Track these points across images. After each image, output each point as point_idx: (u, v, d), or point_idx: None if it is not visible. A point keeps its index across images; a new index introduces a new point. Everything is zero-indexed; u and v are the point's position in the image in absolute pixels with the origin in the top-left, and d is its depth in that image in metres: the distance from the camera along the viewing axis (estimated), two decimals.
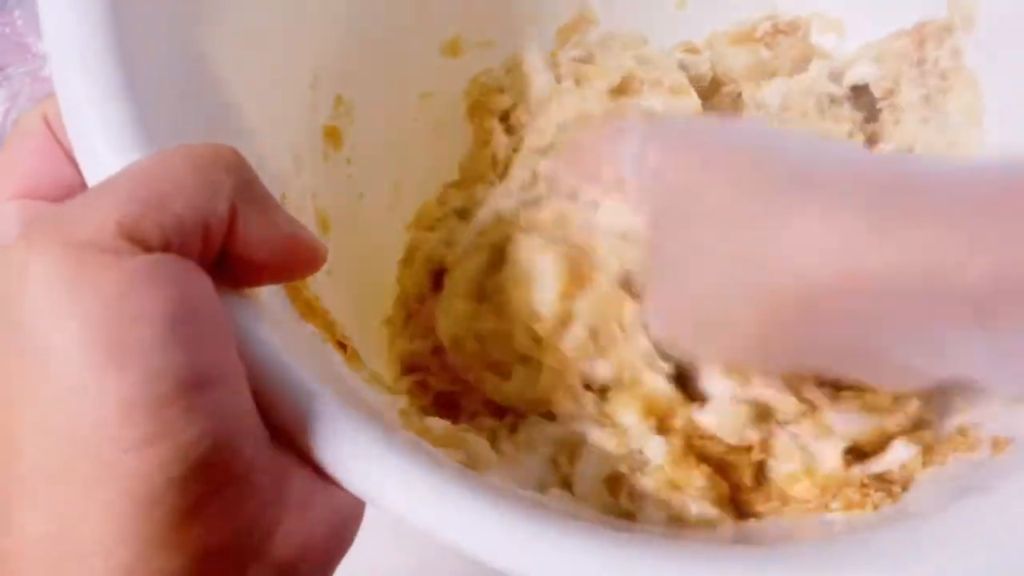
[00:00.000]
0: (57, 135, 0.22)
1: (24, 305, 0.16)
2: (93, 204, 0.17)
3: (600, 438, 0.28)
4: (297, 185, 0.33)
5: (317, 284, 0.31)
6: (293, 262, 0.21)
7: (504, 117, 0.38)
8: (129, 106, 0.21)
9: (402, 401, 0.27)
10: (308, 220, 0.33)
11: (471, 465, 0.25)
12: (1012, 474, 0.23)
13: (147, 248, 0.17)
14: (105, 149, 0.21)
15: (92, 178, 0.20)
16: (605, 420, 0.29)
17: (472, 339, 0.31)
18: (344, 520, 0.19)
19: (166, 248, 0.17)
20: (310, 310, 0.27)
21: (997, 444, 0.25)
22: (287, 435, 0.19)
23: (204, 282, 0.18)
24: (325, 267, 0.22)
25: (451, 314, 0.32)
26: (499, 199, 0.34)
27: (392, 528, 0.29)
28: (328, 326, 0.28)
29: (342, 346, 0.28)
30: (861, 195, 0.23)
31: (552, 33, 0.40)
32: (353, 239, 0.36)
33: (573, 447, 0.29)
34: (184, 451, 0.16)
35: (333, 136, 0.37)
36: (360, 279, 0.35)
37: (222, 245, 0.19)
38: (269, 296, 0.24)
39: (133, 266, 0.16)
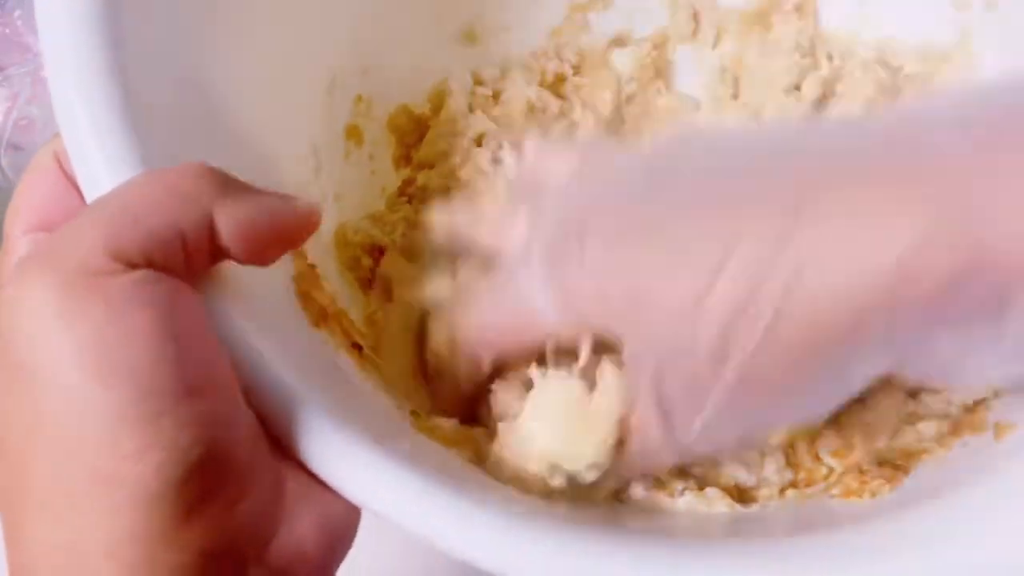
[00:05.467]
0: (67, 169, 0.24)
1: (20, 337, 0.18)
2: (77, 231, 0.19)
3: None
4: (316, 190, 0.34)
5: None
6: (289, 231, 0.22)
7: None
8: (129, 135, 0.22)
9: (412, 403, 0.28)
10: (330, 223, 0.34)
11: (479, 462, 0.26)
12: (1014, 461, 0.22)
13: (131, 265, 0.18)
14: (108, 178, 0.21)
15: None
16: None
17: None
18: (339, 526, 0.21)
19: (149, 263, 0.19)
20: (323, 316, 0.28)
21: (999, 429, 0.24)
22: (280, 440, 0.20)
23: (188, 296, 0.19)
24: None
25: None
26: None
27: (401, 540, 0.30)
28: (343, 329, 0.29)
29: (357, 348, 0.29)
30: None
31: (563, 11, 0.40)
32: None
33: None
34: (178, 456, 0.18)
35: (355, 135, 0.38)
36: None
37: (211, 246, 0.20)
38: (278, 305, 0.26)
39: (118, 286, 0.18)
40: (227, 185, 0.20)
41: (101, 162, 0.22)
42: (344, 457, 0.20)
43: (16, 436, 0.18)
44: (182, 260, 0.19)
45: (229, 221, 0.20)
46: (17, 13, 0.42)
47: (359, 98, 0.38)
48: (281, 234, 0.21)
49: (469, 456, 0.26)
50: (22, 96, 0.42)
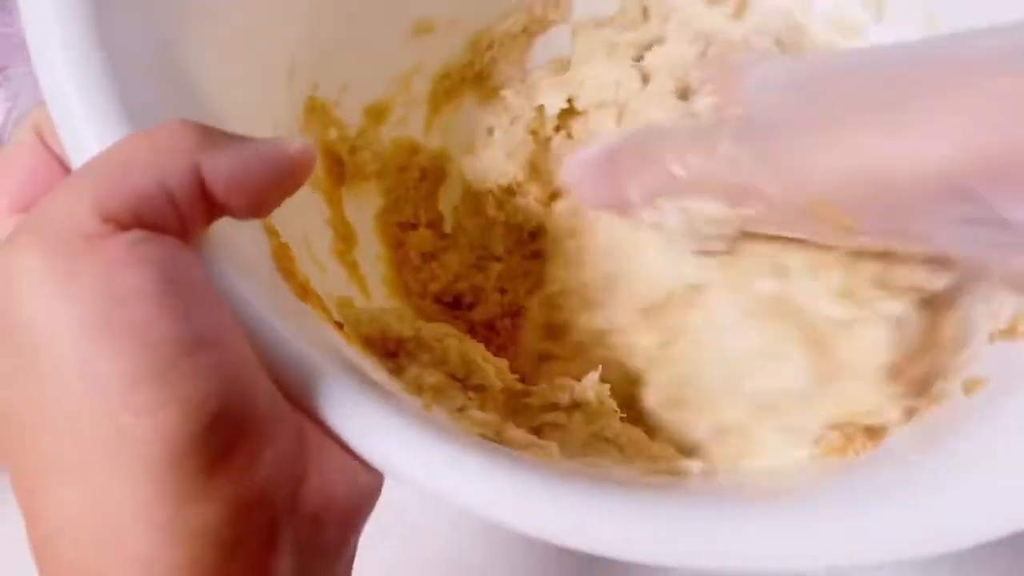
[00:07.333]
0: (48, 143, 0.23)
1: (17, 306, 0.17)
2: (65, 196, 0.18)
3: None
4: None
5: None
6: (284, 175, 0.21)
7: None
8: (115, 101, 0.22)
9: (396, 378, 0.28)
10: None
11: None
12: (981, 417, 0.24)
13: (122, 226, 0.18)
14: (95, 143, 0.21)
15: None
16: None
17: None
18: (365, 475, 0.20)
19: (140, 223, 0.18)
20: (304, 291, 0.27)
21: (968, 386, 0.26)
22: (293, 399, 0.20)
23: (184, 253, 0.19)
24: None
25: None
26: None
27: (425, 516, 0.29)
28: (323, 307, 0.28)
29: (339, 325, 0.28)
30: None
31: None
32: None
33: None
34: (196, 409, 0.17)
35: (314, 119, 0.37)
36: None
37: (204, 201, 0.19)
38: (267, 276, 0.25)
39: (113, 247, 0.17)
40: (211, 136, 0.20)
41: (88, 127, 0.21)
42: (359, 413, 0.20)
43: (23, 407, 0.17)
44: (174, 218, 0.19)
45: (218, 171, 0.19)
46: (18, 14, 0.40)
47: (316, 85, 0.37)
48: (276, 179, 0.20)
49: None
50: (22, 96, 0.41)
